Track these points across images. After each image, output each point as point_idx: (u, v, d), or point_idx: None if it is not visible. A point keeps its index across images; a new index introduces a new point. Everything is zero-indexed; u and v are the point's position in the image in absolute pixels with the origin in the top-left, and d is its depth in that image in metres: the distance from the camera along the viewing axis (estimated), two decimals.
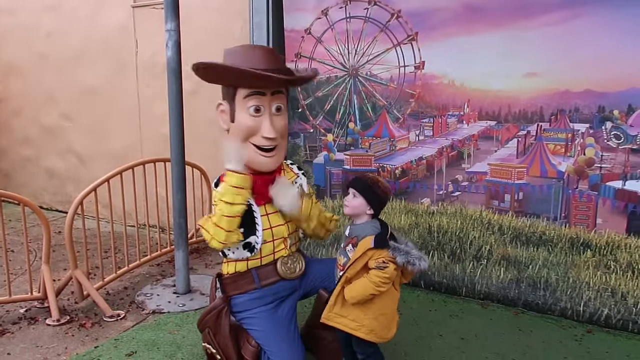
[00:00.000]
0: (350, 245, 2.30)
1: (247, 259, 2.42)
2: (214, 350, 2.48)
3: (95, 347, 2.92)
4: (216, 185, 2.39)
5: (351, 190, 2.32)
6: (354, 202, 2.30)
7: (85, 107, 5.52)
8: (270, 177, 2.41)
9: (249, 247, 2.38)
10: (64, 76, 5.57)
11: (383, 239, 2.22)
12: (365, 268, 2.22)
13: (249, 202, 2.35)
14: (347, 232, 2.37)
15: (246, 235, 2.36)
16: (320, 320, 2.35)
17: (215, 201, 2.34)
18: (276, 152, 2.39)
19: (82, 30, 5.32)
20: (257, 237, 2.37)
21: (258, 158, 2.35)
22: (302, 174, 2.64)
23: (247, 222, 2.35)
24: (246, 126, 2.31)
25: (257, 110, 2.30)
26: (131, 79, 5.11)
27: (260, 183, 2.37)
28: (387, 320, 2.31)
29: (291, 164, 2.65)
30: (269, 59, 2.29)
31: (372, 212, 2.30)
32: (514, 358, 2.83)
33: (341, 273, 2.32)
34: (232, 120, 2.35)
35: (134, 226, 3.98)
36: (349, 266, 2.24)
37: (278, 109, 2.36)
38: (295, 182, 2.55)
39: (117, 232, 4.02)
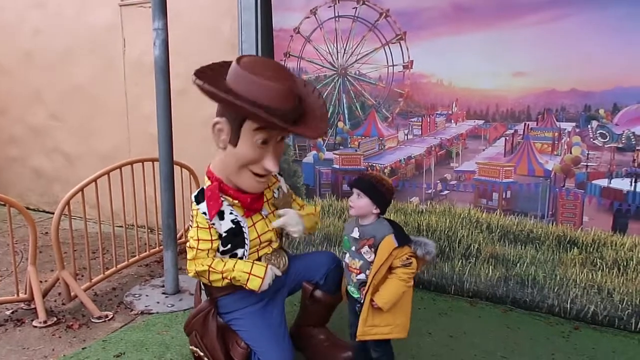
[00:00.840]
0: (367, 247, 2.25)
1: None
2: (201, 354, 2.46)
3: (83, 349, 2.89)
4: (197, 201, 2.30)
5: (355, 191, 2.27)
6: (359, 202, 2.26)
7: (72, 106, 5.47)
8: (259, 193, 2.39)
9: (235, 257, 2.36)
10: (51, 75, 5.51)
11: (405, 236, 2.21)
12: (389, 269, 2.21)
13: (237, 220, 2.32)
14: (354, 234, 2.30)
15: (233, 248, 2.34)
16: (357, 339, 2.31)
17: (192, 235, 2.31)
18: (269, 175, 2.35)
19: (69, 29, 5.26)
20: (246, 249, 2.35)
21: (252, 183, 2.29)
22: (279, 174, 2.59)
23: (236, 237, 2.33)
24: (251, 157, 2.22)
25: (265, 142, 2.19)
26: (119, 78, 5.07)
27: (249, 200, 2.34)
28: (409, 312, 2.32)
29: None
30: (287, 97, 2.09)
31: (378, 211, 2.27)
32: (503, 355, 2.85)
33: (357, 276, 2.29)
34: (234, 145, 2.22)
35: (122, 227, 3.96)
36: (376, 272, 2.18)
37: (281, 139, 2.29)
38: (277, 189, 2.52)
39: (105, 232, 3.99)
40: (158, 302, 3.49)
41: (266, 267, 2.27)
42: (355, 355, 2.52)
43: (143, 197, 4.02)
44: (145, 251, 4.11)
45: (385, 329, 2.26)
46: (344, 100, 3.90)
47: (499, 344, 2.97)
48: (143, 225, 4.23)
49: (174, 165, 3.51)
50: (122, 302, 3.51)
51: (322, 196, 4.05)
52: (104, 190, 3.61)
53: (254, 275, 2.23)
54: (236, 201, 2.32)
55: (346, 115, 3.92)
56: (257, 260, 2.41)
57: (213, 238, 2.29)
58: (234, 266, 2.26)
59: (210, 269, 2.27)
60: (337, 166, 3.98)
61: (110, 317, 3.28)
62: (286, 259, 2.52)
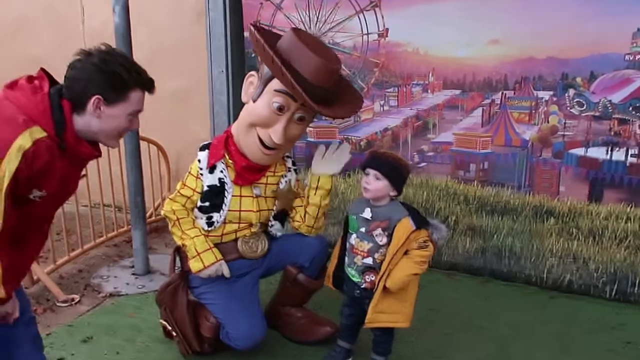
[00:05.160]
0: (380, 229, 2.14)
1: (207, 234, 2.36)
2: (169, 327, 2.43)
3: (47, 334, 2.75)
4: (201, 148, 2.33)
5: (372, 172, 2.13)
6: (377, 184, 2.12)
7: None
8: (258, 165, 2.33)
9: (209, 220, 2.35)
10: (4, 47, 5.17)
11: (422, 219, 2.14)
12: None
13: (224, 180, 2.29)
14: (366, 215, 2.18)
15: (210, 209, 2.32)
16: (365, 326, 2.26)
17: (184, 179, 2.36)
18: (276, 152, 2.30)
19: None
20: (220, 215, 2.32)
21: (256, 150, 2.26)
22: (295, 169, 2.55)
23: (216, 196, 2.30)
24: (261, 116, 2.19)
25: (280, 109, 2.16)
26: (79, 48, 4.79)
27: (245, 167, 2.30)
28: (414, 302, 2.26)
29: (287, 156, 2.54)
30: (321, 73, 2.07)
31: (395, 193, 2.16)
32: (481, 326, 2.85)
33: (363, 260, 2.20)
34: (254, 100, 2.21)
35: (87, 206, 3.79)
36: (392, 257, 2.10)
37: (300, 119, 2.23)
38: (283, 178, 2.48)
39: (69, 212, 3.80)
40: (128, 284, 3.36)
41: (216, 261, 2.28)
42: (345, 333, 2.44)
43: (109, 175, 3.85)
44: (113, 231, 3.96)
45: (392, 316, 2.20)
46: None
47: (477, 315, 2.97)
48: (110, 204, 4.06)
49: (141, 141, 3.35)
50: (89, 285, 3.36)
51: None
52: None
53: (200, 259, 2.26)
54: (231, 162, 2.31)
55: None
56: (234, 241, 2.39)
57: (196, 189, 2.32)
58: (195, 236, 2.28)
59: (178, 221, 2.30)
60: (311, 139, 3.87)
61: (76, 300, 3.14)
62: (265, 243, 2.47)
